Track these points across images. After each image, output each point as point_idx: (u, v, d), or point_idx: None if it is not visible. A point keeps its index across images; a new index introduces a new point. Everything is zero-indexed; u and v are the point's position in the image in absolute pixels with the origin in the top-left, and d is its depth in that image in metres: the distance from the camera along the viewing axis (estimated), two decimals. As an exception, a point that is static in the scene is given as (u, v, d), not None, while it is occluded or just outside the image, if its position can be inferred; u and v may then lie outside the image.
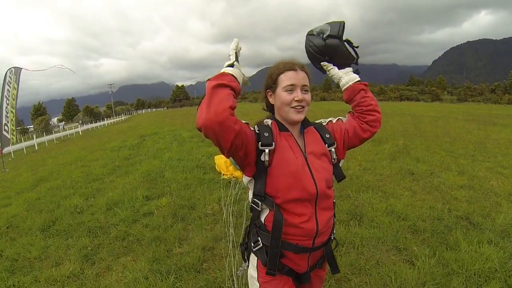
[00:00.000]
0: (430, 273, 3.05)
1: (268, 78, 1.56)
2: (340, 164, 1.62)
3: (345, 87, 1.65)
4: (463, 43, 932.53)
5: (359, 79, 1.65)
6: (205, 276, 3.21)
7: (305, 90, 1.50)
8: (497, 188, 5.62)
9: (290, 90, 1.47)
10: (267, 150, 1.41)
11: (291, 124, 1.54)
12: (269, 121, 1.55)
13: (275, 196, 1.44)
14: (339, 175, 1.58)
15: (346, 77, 1.65)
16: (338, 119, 1.68)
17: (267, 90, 1.58)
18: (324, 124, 1.65)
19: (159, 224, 4.48)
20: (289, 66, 1.50)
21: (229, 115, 1.20)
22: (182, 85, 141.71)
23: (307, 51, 1.69)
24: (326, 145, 1.55)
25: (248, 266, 1.65)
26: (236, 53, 1.44)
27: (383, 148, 9.22)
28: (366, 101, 1.61)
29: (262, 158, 1.41)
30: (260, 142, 1.41)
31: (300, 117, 1.49)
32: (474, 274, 3.01)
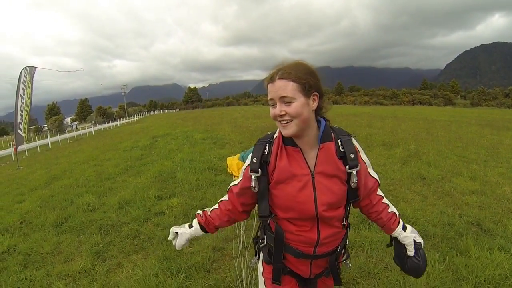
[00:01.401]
0: (440, 278, 3.02)
1: None
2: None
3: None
4: (477, 46, 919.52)
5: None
6: (214, 275, 3.25)
7: (288, 102, 1.29)
8: (510, 194, 5.53)
9: (272, 105, 1.34)
10: (253, 176, 1.40)
11: (295, 138, 1.40)
12: (276, 133, 1.46)
13: (275, 213, 1.46)
14: (353, 197, 1.46)
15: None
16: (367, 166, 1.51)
17: None
18: (355, 143, 1.46)
19: (170, 224, 4.51)
20: (268, 78, 1.35)
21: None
22: (195, 87, 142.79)
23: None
24: (347, 166, 1.38)
25: (258, 259, 1.69)
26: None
27: (394, 152, 9.15)
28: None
29: (252, 184, 1.41)
30: (250, 168, 1.42)
31: (287, 132, 1.32)
32: (484, 281, 2.98)
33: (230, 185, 1.58)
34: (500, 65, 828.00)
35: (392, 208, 1.62)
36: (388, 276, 3.08)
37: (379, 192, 1.61)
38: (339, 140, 1.41)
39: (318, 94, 1.35)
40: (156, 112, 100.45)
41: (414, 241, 1.58)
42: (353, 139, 1.46)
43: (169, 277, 3.22)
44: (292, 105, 1.29)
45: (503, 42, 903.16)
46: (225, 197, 1.60)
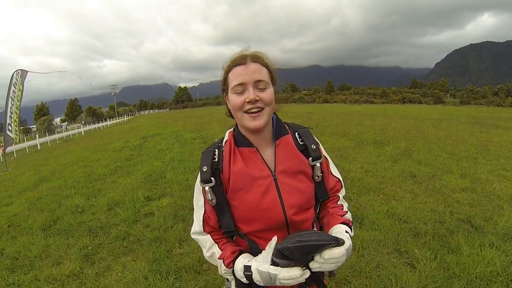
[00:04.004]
0: (431, 276, 3.03)
1: (221, 80, 1.30)
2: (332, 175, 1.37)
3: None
4: (466, 45, 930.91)
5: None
6: (204, 277, 3.21)
7: (261, 88, 1.16)
8: (499, 191, 5.58)
9: (240, 91, 1.17)
10: (207, 188, 1.22)
11: (255, 134, 1.24)
12: (225, 137, 1.31)
13: (240, 227, 1.27)
14: (322, 195, 1.32)
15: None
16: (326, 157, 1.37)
17: (224, 94, 1.30)
18: (313, 136, 1.34)
19: (160, 225, 4.49)
20: (238, 59, 1.20)
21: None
22: (185, 87, 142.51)
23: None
24: (310, 158, 1.26)
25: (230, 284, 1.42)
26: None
27: (385, 151, 9.20)
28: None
29: (207, 196, 1.23)
30: (200, 179, 1.24)
31: (256, 123, 1.17)
32: (476, 278, 2.99)
33: (196, 228, 1.36)
34: (489, 64, 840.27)
35: (345, 209, 1.38)
36: (379, 275, 3.08)
37: (340, 194, 1.42)
38: (296, 133, 1.31)
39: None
40: (146, 112, 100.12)
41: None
42: (310, 131, 1.35)
43: (159, 279, 3.18)
44: (267, 90, 1.17)
45: (492, 41, 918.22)
46: (208, 238, 1.33)
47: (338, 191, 1.40)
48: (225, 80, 1.25)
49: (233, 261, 1.21)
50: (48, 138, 30.74)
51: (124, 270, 3.45)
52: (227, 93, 1.25)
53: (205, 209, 1.29)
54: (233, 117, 1.31)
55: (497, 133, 14.41)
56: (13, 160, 18.11)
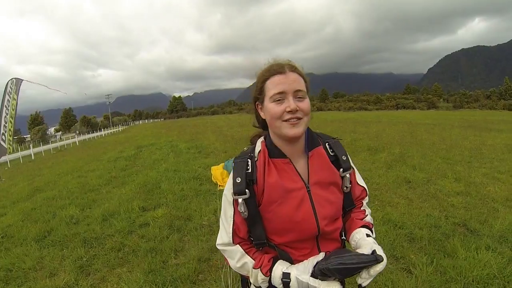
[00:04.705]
0: (428, 281, 3.02)
1: (254, 87, 1.27)
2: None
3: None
4: (458, 50, 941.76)
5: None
6: (200, 287, 3.19)
7: (300, 97, 1.16)
8: (494, 193, 5.62)
9: (279, 100, 1.15)
10: (240, 200, 1.19)
11: (290, 143, 1.22)
12: (257, 147, 1.29)
13: (272, 239, 1.25)
14: (348, 205, 1.34)
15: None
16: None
17: (256, 103, 1.29)
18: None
19: (155, 235, 4.46)
20: (276, 69, 1.19)
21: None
22: (179, 96, 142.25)
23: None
24: (341, 169, 1.26)
25: None
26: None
27: (379, 157, 9.24)
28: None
29: (239, 209, 1.20)
30: (233, 191, 1.21)
31: (296, 131, 1.15)
32: (473, 281, 2.99)
33: (225, 239, 1.29)
34: (481, 68, 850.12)
35: (366, 213, 1.39)
36: (376, 281, 3.06)
37: (364, 201, 1.42)
38: (327, 143, 1.30)
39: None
40: (141, 122, 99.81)
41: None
42: (339, 142, 1.35)
43: (154, 290, 3.14)
44: (305, 100, 1.17)
45: (483, 45, 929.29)
46: (238, 248, 1.28)
47: (363, 198, 1.41)
48: (261, 89, 1.23)
49: (270, 269, 1.20)
50: (42, 148, 30.48)
51: (120, 281, 3.41)
52: (262, 102, 1.24)
53: (234, 220, 1.26)
54: (261, 127, 1.35)
55: (490, 136, 14.54)
56: (6, 170, 17.94)
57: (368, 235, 1.22)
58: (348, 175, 1.28)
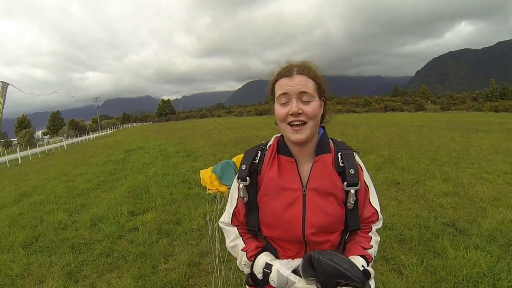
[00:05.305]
0: (419, 281, 3.05)
1: (269, 89, 1.28)
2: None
3: None
4: (445, 53, 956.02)
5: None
6: (191, 291, 3.15)
7: (305, 101, 1.14)
8: (482, 193, 5.70)
9: (284, 103, 1.16)
10: (241, 185, 1.26)
11: (298, 146, 1.22)
12: (270, 141, 1.32)
13: (262, 229, 1.30)
14: (352, 224, 1.25)
15: None
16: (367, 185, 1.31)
17: (272, 103, 1.28)
18: (358, 160, 1.28)
19: (145, 240, 4.41)
20: (283, 71, 1.19)
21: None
22: (168, 99, 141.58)
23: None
24: (345, 183, 1.20)
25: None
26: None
27: (368, 159, 9.29)
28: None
29: (240, 194, 1.28)
30: (237, 176, 1.29)
31: (297, 137, 1.15)
32: (463, 280, 3.03)
33: (226, 219, 1.39)
34: (468, 70, 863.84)
35: (372, 243, 1.31)
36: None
37: (374, 226, 1.34)
38: (339, 153, 1.25)
39: (324, 99, 1.26)
40: (129, 125, 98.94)
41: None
42: (356, 154, 1.28)
43: (144, 295, 3.10)
44: (311, 104, 1.15)
45: (470, 48, 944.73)
46: (234, 230, 1.36)
47: (373, 222, 1.33)
48: (272, 91, 1.24)
49: (256, 255, 1.26)
50: (29, 151, 29.94)
51: (109, 287, 3.36)
52: (273, 103, 1.24)
53: (236, 204, 1.34)
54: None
55: (477, 137, 14.78)
56: (-8, 176, 17.61)
57: (363, 267, 1.13)
58: (353, 191, 1.21)
